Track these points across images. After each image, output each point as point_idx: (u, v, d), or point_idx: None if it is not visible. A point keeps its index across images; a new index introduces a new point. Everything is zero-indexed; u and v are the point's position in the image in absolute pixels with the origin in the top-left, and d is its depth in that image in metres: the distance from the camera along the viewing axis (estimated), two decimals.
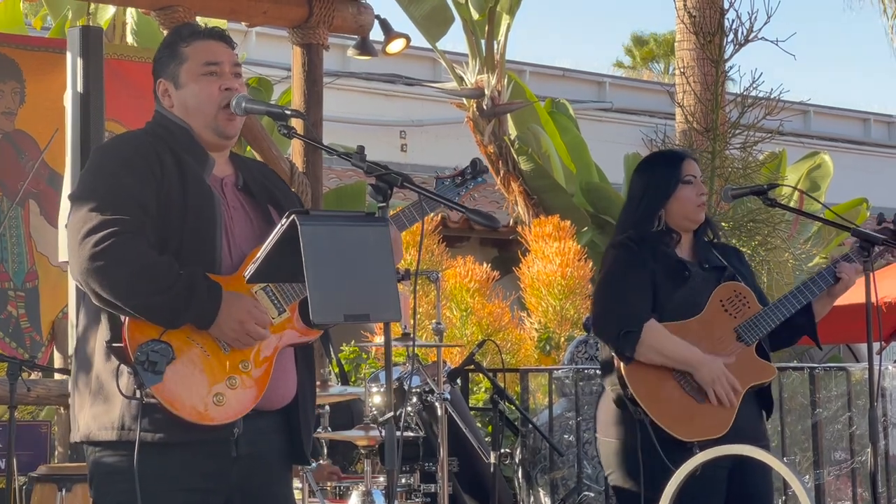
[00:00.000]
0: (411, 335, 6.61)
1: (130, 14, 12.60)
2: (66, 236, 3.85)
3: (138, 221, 3.74)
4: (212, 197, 3.87)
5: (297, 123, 7.06)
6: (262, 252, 3.65)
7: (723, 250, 5.26)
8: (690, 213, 5.12)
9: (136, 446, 3.70)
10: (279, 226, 3.58)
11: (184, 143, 3.94)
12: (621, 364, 4.99)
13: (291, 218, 3.52)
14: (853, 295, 5.37)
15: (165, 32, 7.79)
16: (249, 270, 3.69)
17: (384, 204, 3.65)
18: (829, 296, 5.12)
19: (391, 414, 3.64)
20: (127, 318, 3.72)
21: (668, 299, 5.01)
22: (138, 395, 3.69)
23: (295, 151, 8.66)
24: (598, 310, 5.13)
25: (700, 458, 4.47)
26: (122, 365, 3.73)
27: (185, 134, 3.96)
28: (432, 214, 11.03)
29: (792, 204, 11.43)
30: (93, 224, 3.72)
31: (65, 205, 7.11)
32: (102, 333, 3.82)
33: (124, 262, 3.68)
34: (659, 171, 5.19)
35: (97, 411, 3.84)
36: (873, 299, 4.84)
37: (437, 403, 6.81)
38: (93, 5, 11.92)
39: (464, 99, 13.92)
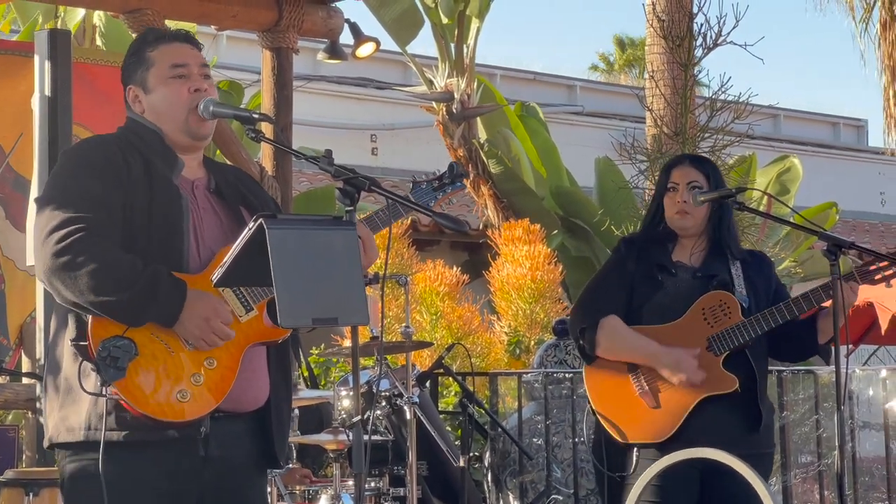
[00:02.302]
0: (380, 338, 6.62)
1: (99, 17, 12.56)
2: (32, 238, 3.86)
3: (101, 220, 3.75)
4: (179, 198, 3.88)
5: (265, 127, 7.05)
6: (229, 255, 3.65)
7: (743, 258, 5.25)
8: (672, 221, 5.19)
9: (101, 444, 3.70)
10: (247, 229, 3.58)
11: (153, 146, 3.95)
12: (584, 363, 5.12)
13: (259, 222, 3.52)
14: None
15: (134, 36, 7.78)
16: (217, 274, 3.69)
17: (352, 208, 3.65)
18: (830, 315, 5.00)
19: (359, 417, 3.63)
20: (91, 317, 3.73)
21: (644, 302, 5.08)
22: (103, 392, 3.69)
23: (265, 155, 8.65)
24: (572, 309, 5.30)
25: (665, 461, 4.50)
26: (84, 363, 3.73)
27: (155, 137, 3.97)
28: (404, 218, 11.08)
29: (761, 208, 11.47)
30: (56, 223, 3.73)
31: (32, 208, 7.08)
32: (70, 334, 3.82)
33: (87, 259, 3.69)
34: (659, 177, 5.32)
35: (66, 413, 3.84)
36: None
37: (405, 407, 6.81)
38: (62, 8, 11.90)
39: (433, 102, 13.93)
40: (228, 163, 8.20)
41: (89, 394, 3.73)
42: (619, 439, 5.01)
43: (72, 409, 3.82)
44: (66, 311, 3.82)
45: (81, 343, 3.74)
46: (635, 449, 4.98)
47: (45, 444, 3.94)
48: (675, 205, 5.16)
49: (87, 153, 3.95)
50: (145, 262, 3.74)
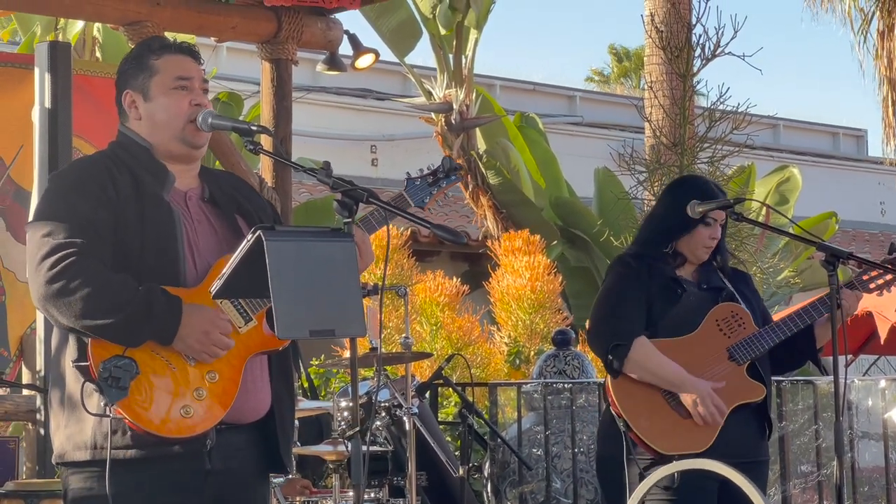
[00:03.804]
0: (378, 349, 6.63)
1: (98, 30, 12.58)
2: (27, 264, 3.86)
3: (92, 243, 3.76)
4: (170, 212, 3.89)
5: (264, 139, 7.07)
6: (227, 267, 3.66)
7: (732, 274, 5.32)
8: (696, 251, 5.19)
9: (107, 463, 3.70)
10: (245, 241, 3.59)
11: (143, 161, 3.95)
12: (609, 378, 5.10)
13: (257, 233, 3.53)
14: None
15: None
16: (215, 286, 3.70)
17: (350, 219, 3.66)
18: (827, 323, 5.07)
19: (357, 429, 3.64)
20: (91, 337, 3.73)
21: (662, 316, 5.10)
22: (107, 412, 3.69)
23: (264, 166, 8.67)
24: (591, 324, 5.25)
25: (662, 471, 4.52)
26: (87, 383, 3.73)
27: (144, 153, 3.97)
28: (402, 228, 11.07)
29: (759, 218, 11.47)
30: (47, 249, 3.74)
31: None
32: (71, 354, 3.82)
33: (80, 284, 3.69)
34: (688, 202, 5.14)
35: (71, 432, 3.85)
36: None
37: (405, 418, 6.81)
38: (61, 20, 11.93)
39: (432, 113, 13.95)
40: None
41: (93, 414, 3.74)
42: (660, 451, 5.01)
43: (77, 428, 3.83)
44: (67, 331, 3.84)
45: (82, 364, 3.75)
46: (674, 461, 4.97)
47: (54, 460, 3.95)
48: (707, 240, 5.17)
49: (73, 174, 3.96)
50: (141, 280, 3.75)
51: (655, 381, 5.04)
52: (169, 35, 7.94)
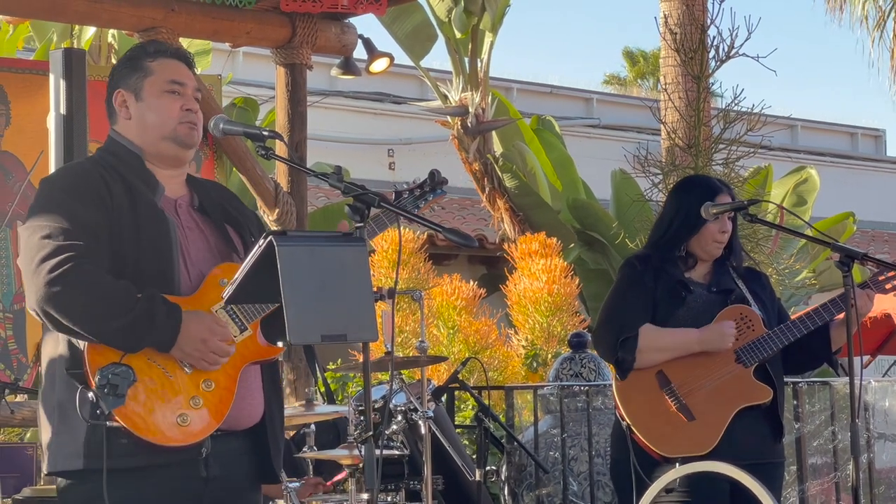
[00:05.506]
0: (391, 353, 6.63)
1: (113, 36, 12.62)
2: (21, 266, 3.82)
3: (91, 247, 3.74)
4: (165, 220, 3.87)
5: (280, 144, 7.07)
6: (239, 273, 3.66)
7: (746, 274, 5.32)
8: (707, 247, 5.21)
9: (104, 472, 3.68)
10: (257, 246, 3.59)
11: (134, 169, 3.93)
12: (615, 380, 5.10)
13: (269, 238, 3.53)
14: None
15: None
16: (227, 291, 3.70)
17: (361, 224, 3.67)
18: (842, 324, 5.06)
19: (371, 433, 3.65)
20: (86, 343, 3.71)
21: (667, 318, 5.11)
22: (103, 420, 3.67)
23: (279, 171, 8.68)
24: (596, 327, 5.27)
25: (672, 474, 4.52)
26: (82, 390, 3.71)
27: (135, 160, 3.96)
28: (419, 232, 11.07)
29: (776, 219, 11.45)
30: (47, 251, 3.71)
31: None
32: (64, 361, 3.80)
33: (82, 288, 3.69)
34: (692, 201, 5.18)
35: (62, 440, 3.82)
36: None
37: (421, 422, 6.81)
38: (76, 26, 11.97)
39: (448, 117, 13.96)
40: (243, 179, 8.25)
41: (89, 422, 3.69)
42: (662, 453, 5.01)
43: (69, 437, 3.79)
44: (58, 337, 3.81)
45: (77, 371, 3.73)
46: (677, 463, 4.97)
47: (45, 471, 3.90)
48: (718, 234, 5.18)
49: (67, 178, 3.94)
50: (138, 287, 3.74)
51: (676, 354, 5.05)
52: (184, 41, 7.98)
